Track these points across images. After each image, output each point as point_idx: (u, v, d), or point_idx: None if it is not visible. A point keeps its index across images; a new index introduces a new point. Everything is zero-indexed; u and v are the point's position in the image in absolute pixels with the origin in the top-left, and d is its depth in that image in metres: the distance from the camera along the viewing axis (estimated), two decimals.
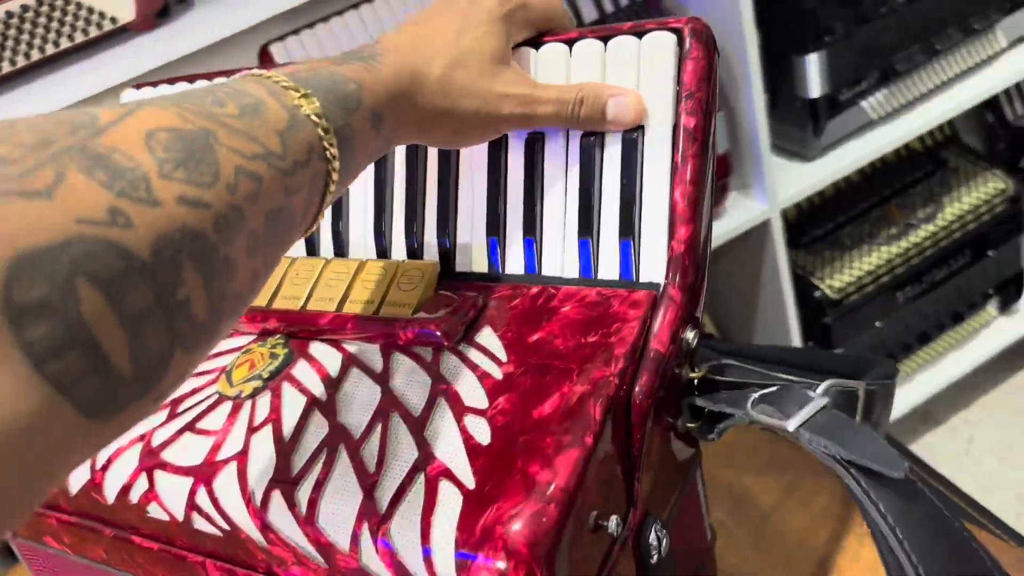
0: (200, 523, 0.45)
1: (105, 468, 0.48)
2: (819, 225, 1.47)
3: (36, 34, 0.87)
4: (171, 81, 0.62)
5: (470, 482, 0.38)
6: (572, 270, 0.47)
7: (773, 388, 0.42)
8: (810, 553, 0.60)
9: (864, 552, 0.60)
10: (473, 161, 0.50)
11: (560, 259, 0.48)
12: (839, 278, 1.42)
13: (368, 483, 0.40)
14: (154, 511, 0.46)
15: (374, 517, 0.39)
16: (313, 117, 0.34)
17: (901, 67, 1.24)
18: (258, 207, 0.30)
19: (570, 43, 0.48)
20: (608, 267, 0.47)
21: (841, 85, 1.21)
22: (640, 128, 0.46)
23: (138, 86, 0.64)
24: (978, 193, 1.49)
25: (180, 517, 0.45)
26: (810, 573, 0.59)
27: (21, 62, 0.89)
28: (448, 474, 0.39)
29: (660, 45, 0.46)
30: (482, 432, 0.40)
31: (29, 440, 0.23)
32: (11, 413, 0.22)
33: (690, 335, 0.44)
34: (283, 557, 0.42)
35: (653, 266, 0.45)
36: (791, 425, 0.40)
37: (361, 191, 0.54)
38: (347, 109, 0.37)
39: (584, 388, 0.40)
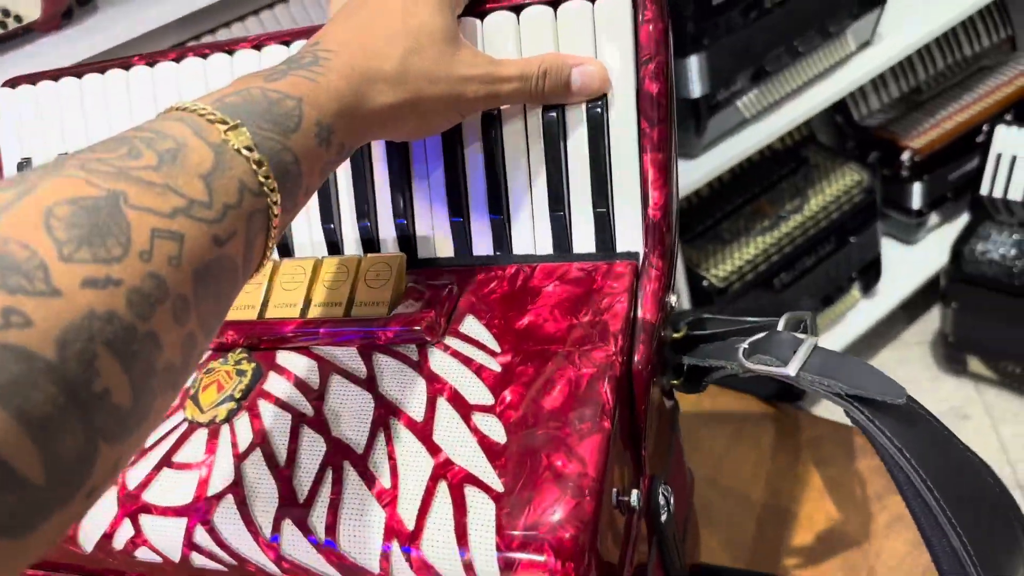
0: (201, 561, 0.42)
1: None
2: (700, 221, 1.55)
3: None
4: (55, 77, 0.56)
5: (497, 485, 0.37)
6: (545, 246, 0.47)
7: (759, 336, 0.44)
8: (765, 483, 0.65)
9: (816, 479, 0.64)
10: (427, 142, 0.48)
11: (531, 236, 0.47)
12: (722, 268, 1.51)
13: (387, 499, 0.39)
14: (144, 555, 0.43)
15: (403, 534, 0.38)
16: (243, 151, 0.32)
17: (770, 68, 1.32)
18: (182, 269, 0.28)
19: (516, 9, 0.46)
20: (583, 240, 0.46)
21: (719, 85, 1.28)
22: (603, 96, 0.45)
23: (13, 84, 0.58)
24: (838, 185, 1.61)
25: (176, 558, 0.43)
26: (765, 500, 0.64)
27: None
28: (472, 479, 0.38)
29: (615, 9, 0.44)
30: (496, 431, 0.39)
31: None
32: None
33: (672, 299, 0.44)
34: None
35: (629, 235, 0.45)
36: (792, 370, 0.42)
37: None
38: (285, 131, 0.34)
39: (590, 371, 0.40)
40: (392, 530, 0.38)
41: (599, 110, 0.45)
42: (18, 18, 0.87)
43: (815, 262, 1.60)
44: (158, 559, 0.43)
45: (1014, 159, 1.60)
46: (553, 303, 0.44)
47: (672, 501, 0.45)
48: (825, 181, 1.62)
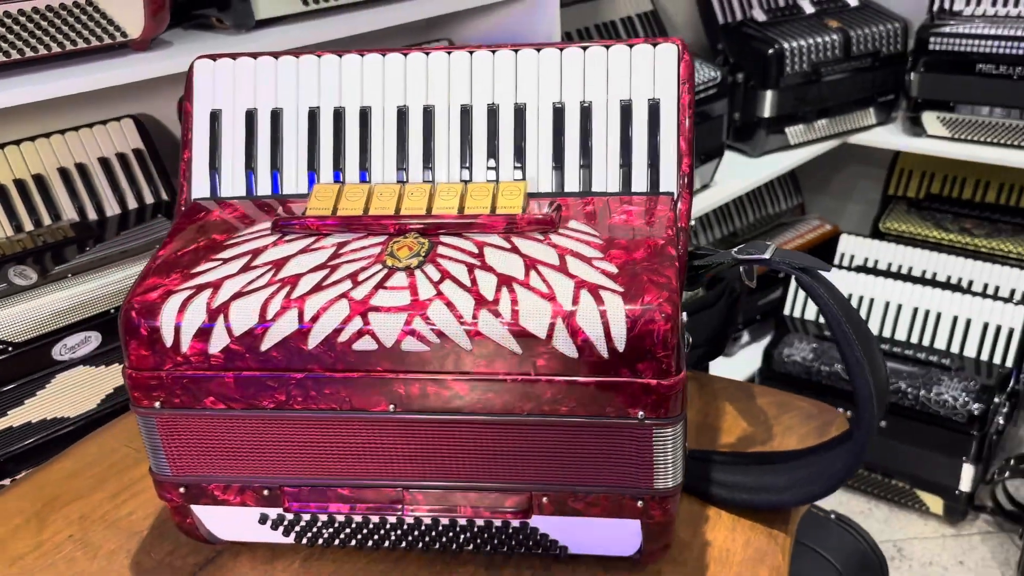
0: (410, 345, 0.64)
1: (316, 318, 0.64)
2: None
3: (44, 31, 1.00)
4: (253, 55, 0.79)
5: (619, 289, 0.63)
6: (614, 186, 0.74)
7: (743, 244, 0.73)
8: (695, 411, 0.97)
9: (730, 409, 0.97)
10: (539, 117, 0.75)
11: (604, 180, 0.75)
12: None
13: (548, 297, 0.63)
14: (363, 345, 0.64)
15: (563, 313, 0.62)
16: None
17: None
18: None
19: (607, 47, 0.75)
20: (638, 184, 0.74)
21: None
22: (659, 99, 0.75)
23: (212, 57, 0.80)
24: None
25: (390, 344, 0.64)
26: (698, 420, 0.94)
27: (30, 54, 1.01)
28: (603, 287, 0.64)
29: (668, 51, 0.74)
30: (609, 268, 0.65)
31: None
32: None
33: (692, 223, 0.73)
34: (485, 353, 0.63)
35: (668, 182, 0.74)
36: (768, 254, 0.71)
37: (445, 141, 0.76)
38: None
39: (662, 240, 0.67)
40: (555, 312, 0.63)
41: (656, 105, 0.75)
42: (124, 34, 1.06)
43: None
44: (372, 347, 0.64)
45: None
46: (628, 213, 0.71)
47: (690, 342, 0.72)
48: None
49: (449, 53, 0.77)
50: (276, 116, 0.78)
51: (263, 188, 0.78)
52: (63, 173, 1.19)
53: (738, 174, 2.05)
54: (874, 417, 0.69)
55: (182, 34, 1.21)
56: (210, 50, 1.14)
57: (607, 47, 0.76)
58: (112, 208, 1.22)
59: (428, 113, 0.77)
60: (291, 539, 0.75)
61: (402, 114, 0.77)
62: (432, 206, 0.72)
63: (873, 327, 1.97)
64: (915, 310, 1.95)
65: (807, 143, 2.13)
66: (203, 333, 0.66)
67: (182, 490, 0.72)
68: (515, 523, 0.71)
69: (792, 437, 0.90)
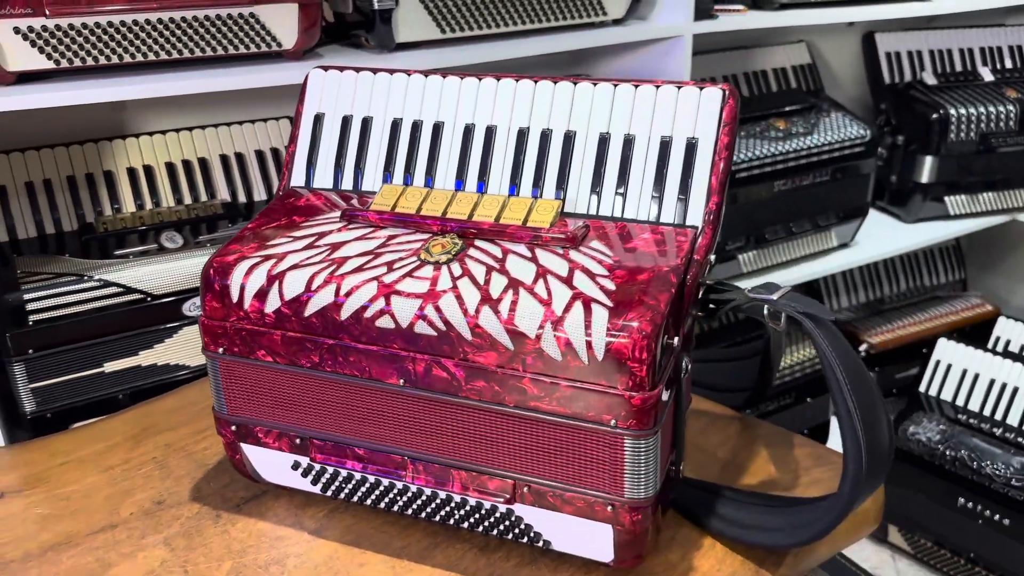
0: (422, 328, 0.72)
1: (349, 294, 0.74)
2: None
3: (215, 36, 1.18)
4: (356, 70, 0.91)
5: (609, 303, 0.69)
6: (645, 214, 0.80)
7: (758, 284, 0.76)
8: (728, 449, 0.93)
9: (764, 452, 0.97)
10: (586, 148, 0.82)
11: (637, 207, 0.80)
12: None
13: (544, 303, 0.70)
14: (383, 322, 0.73)
15: (553, 320, 0.69)
16: None
17: (769, 237, 1.71)
18: None
19: (656, 87, 0.81)
20: (668, 214, 0.79)
21: (725, 241, 1.65)
22: (697, 138, 0.79)
23: (324, 68, 0.92)
24: (803, 352, 1.97)
25: (405, 324, 0.73)
26: (727, 457, 0.94)
27: (199, 54, 1.20)
28: (595, 300, 0.69)
29: (713, 95, 0.79)
30: (609, 284, 0.71)
31: None
32: None
33: (712, 258, 0.77)
34: (482, 345, 0.70)
35: (695, 216, 0.78)
36: (775, 296, 0.73)
37: (501, 158, 0.84)
38: None
39: (665, 267, 0.72)
40: (547, 317, 0.69)
41: (694, 144, 0.79)
42: (279, 43, 1.23)
43: (774, 408, 1.94)
44: (391, 325, 0.73)
45: (949, 367, 1.96)
46: (646, 240, 0.77)
47: (688, 369, 0.75)
48: (794, 347, 1.98)
49: (517, 80, 0.86)
50: (366, 123, 0.90)
51: (347, 184, 0.90)
52: (223, 159, 1.37)
53: (887, 238, 1.99)
54: (860, 474, 0.70)
55: (336, 49, 1.37)
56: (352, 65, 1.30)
57: (657, 87, 0.81)
58: (260, 194, 1.39)
59: (490, 132, 0.85)
60: (317, 488, 0.85)
61: (468, 131, 0.86)
62: (474, 213, 0.80)
63: (1013, 419, 1.84)
64: None
65: (969, 215, 2.03)
66: (261, 294, 0.77)
67: (234, 428, 0.84)
68: (502, 508, 0.77)
69: (817, 488, 0.90)
